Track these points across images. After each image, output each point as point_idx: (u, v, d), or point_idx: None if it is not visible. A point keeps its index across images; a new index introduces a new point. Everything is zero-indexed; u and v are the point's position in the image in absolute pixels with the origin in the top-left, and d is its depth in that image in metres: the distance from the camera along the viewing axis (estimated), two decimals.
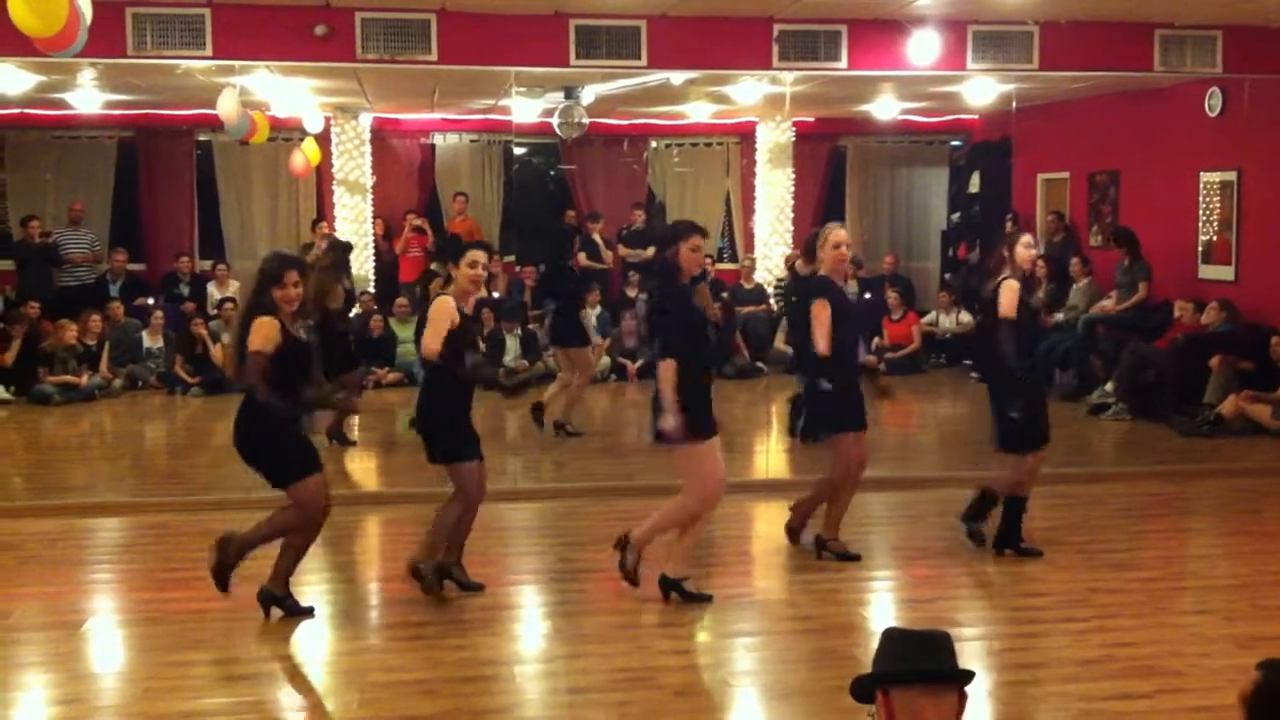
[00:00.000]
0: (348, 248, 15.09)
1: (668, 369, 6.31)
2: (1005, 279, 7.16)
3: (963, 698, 2.79)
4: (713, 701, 5.61)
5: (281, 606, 6.34)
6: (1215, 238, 12.80)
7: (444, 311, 6.40)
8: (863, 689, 2.81)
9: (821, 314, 7.01)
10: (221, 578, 6.35)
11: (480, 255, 6.68)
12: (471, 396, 6.61)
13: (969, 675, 2.81)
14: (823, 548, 7.42)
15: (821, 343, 7.00)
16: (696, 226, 6.61)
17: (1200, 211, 12.95)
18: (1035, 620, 6.33)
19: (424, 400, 6.68)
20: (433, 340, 6.37)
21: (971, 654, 5.86)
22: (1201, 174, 12.89)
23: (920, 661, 2.77)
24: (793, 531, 7.72)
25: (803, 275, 7.79)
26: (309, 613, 6.35)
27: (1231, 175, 12.54)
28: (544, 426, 11.13)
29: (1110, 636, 6.04)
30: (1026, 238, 7.33)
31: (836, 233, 7.29)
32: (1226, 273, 12.62)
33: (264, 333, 5.94)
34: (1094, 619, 6.34)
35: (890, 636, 2.87)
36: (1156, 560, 7.58)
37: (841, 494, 7.38)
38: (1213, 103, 12.64)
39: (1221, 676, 5.44)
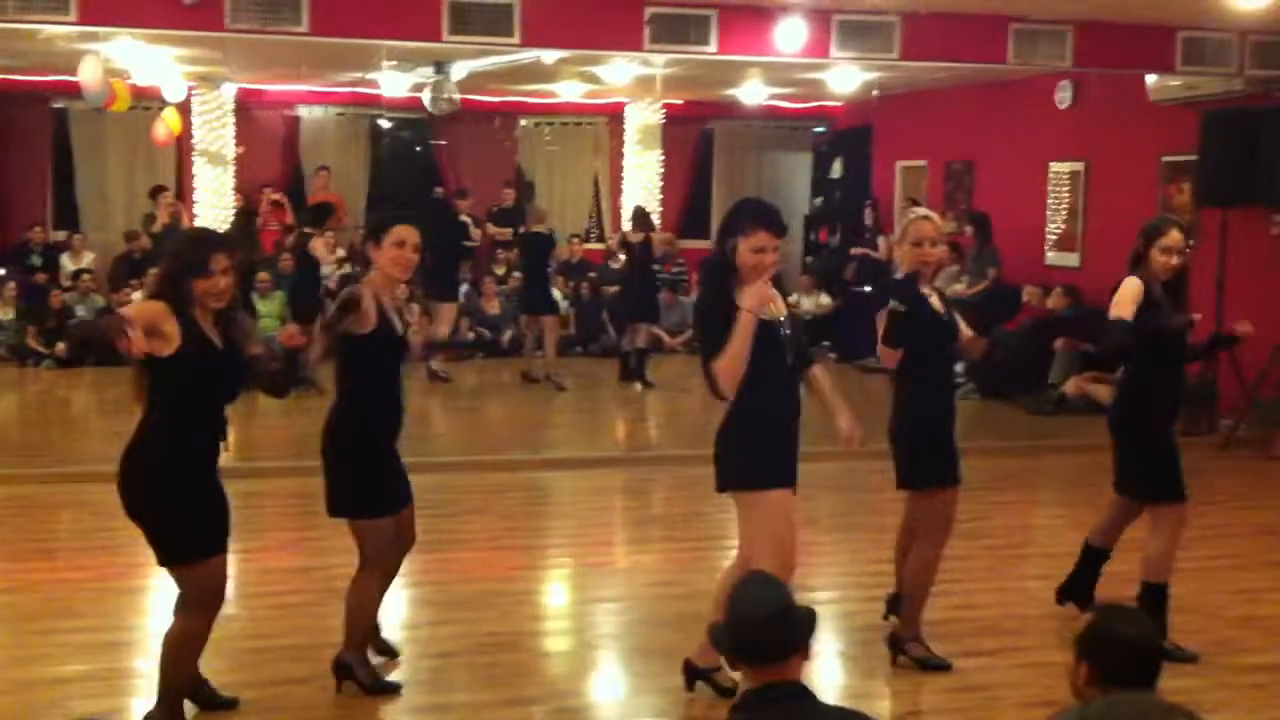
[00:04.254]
0: (254, 215, 14.87)
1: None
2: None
3: (805, 653, 3.00)
4: (576, 662, 5.78)
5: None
6: (1063, 226, 13.35)
7: (367, 313, 4.94)
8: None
9: (883, 321, 5.45)
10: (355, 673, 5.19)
11: (410, 234, 5.07)
12: (400, 423, 5.17)
13: (809, 635, 3.01)
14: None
15: (884, 358, 5.59)
16: (771, 217, 4.88)
17: (1049, 200, 13.49)
18: (886, 585, 6.57)
19: (336, 425, 5.09)
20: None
21: (825, 616, 6.11)
22: (1051, 164, 13.42)
23: (762, 642, 2.96)
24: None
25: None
26: None
27: (1080, 166, 13.09)
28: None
29: (957, 600, 6.35)
30: (1174, 234, 5.71)
31: (920, 226, 5.54)
32: (1072, 259, 13.18)
33: (149, 311, 4.42)
34: (942, 584, 6.58)
35: (733, 613, 3.03)
36: (1003, 529, 7.96)
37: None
38: (1063, 95, 13.16)
39: (1057, 635, 5.77)
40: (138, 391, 4.53)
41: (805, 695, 2.97)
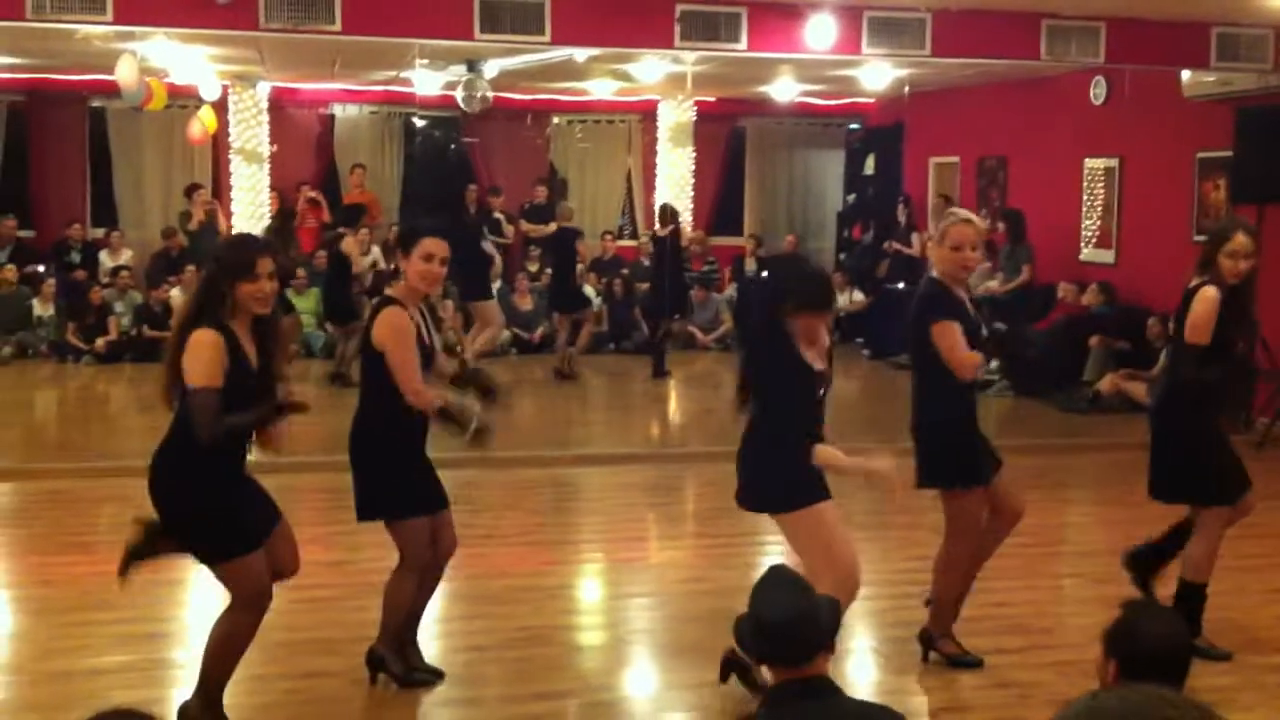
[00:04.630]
0: (292, 215, 15.03)
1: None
2: (1203, 283, 5.57)
3: (830, 649, 3.02)
4: (608, 657, 5.81)
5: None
6: (1098, 223, 13.28)
7: (403, 327, 4.95)
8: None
9: (950, 335, 5.29)
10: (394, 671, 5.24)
11: (439, 247, 5.04)
12: (425, 427, 5.17)
13: (833, 634, 3.03)
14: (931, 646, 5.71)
15: (965, 370, 5.33)
16: (827, 296, 4.99)
17: (1084, 197, 13.42)
18: (916, 582, 6.58)
19: (365, 428, 5.13)
20: (410, 376, 4.92)
21: (857, 613, 6.12)
22: (1085, 160, 13.35)
23: (787, 648, 2.97)
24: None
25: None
26: None
27: (1114, 162, 13.01)
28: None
29: (987, 597, 6.33)
30: (1241, 238, 5.56)
31: (961, 230, 5.39)
32: (1107, 256, 13.10)
33: (207, 358, 4.36)
34: (974, 581, 6.63)
35: (756, 622, 3.03)
36: (1034, 528, 7.89)
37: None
38: (1097, 92, 13.09)
39: (1087, 633, 5.71)
40: (166, 397, 4.55)
41: (832, 691, 2.99)
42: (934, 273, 5.53)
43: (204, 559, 4.61)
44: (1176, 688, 2.89)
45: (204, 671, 4.71)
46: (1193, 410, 5.64)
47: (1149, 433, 5.82)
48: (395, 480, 5.06)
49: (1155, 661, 2.86)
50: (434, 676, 5.32)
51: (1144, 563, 6.06)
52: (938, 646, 5.57)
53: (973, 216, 5.59)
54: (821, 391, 4.92)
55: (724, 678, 5.16)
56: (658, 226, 13.61)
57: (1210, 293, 5.49)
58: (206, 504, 4.50)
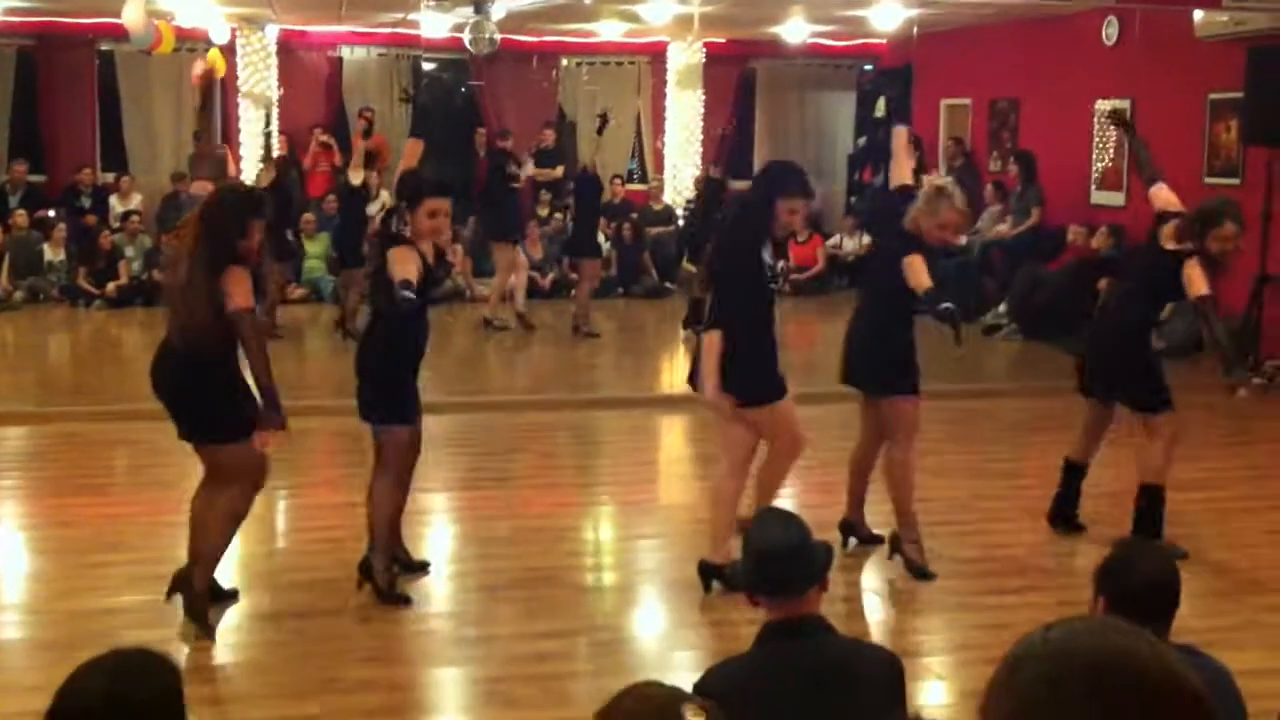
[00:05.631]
0: (286, 163, 15.03)
1: (714, 341, 5.51)
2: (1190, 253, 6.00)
3: (824, 582, 3.09)
4: (616, 597, 5.90)
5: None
6: (1108, 164, 13.23)
7: (409, 256, 5.40)
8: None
9: (916, 264, 5.72)
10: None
11: (441, 205, 5.50)
12: (420, 351, 5.65)
13: (826, 568, 3.10)
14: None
15: (924, 278, 5.70)
16: (805, 186, 5.68)
17: (1094, 139, 13.35)
18: (920, 524, 6.66)
19: (368, 347, 5.70)
20: (403, 270, 5.32)
21: (858, 552, 6.21)
22: (1097, 101, 13.27)
23: (780, 577, 3.03)
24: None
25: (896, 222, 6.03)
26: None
27: (1125, 103, 12.92)
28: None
29: (988, 539, 6.42)
30: (1230, 227, 5.99)
31: (952, 214, 5.91)
32: (1118, 199, 13.05)
33: (244, 283, 5.00)
34: (975, 523, 6.72)
35: (750, 549, 3.12)
36: (1038, 470, 7.96)
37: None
38: (1109, 31, 12.99)
39: (1085, 575, 5.77)
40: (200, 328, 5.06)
41: (825, 629, 3.05)
42: (911, 227, 5.88)
43: (205, 439, 5.20)
44: (1164, 622, 2.95)
45: (210, 549, 5.24)
46: (1146, 338, 6.41)
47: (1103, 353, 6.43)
48: (388, 394, 5.57)
49: (1144, 597, 2.92)
50: (420, 570, 5.88)
51: (1063, 513, 6.59)
52: (903, 550, 5.98)
53: (959, 197, 6.00)
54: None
55: (706, 586, 5.59)
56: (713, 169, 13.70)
57: (1198, 269, 5.96)
58: (210, 393, 5.15)
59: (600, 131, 12.62)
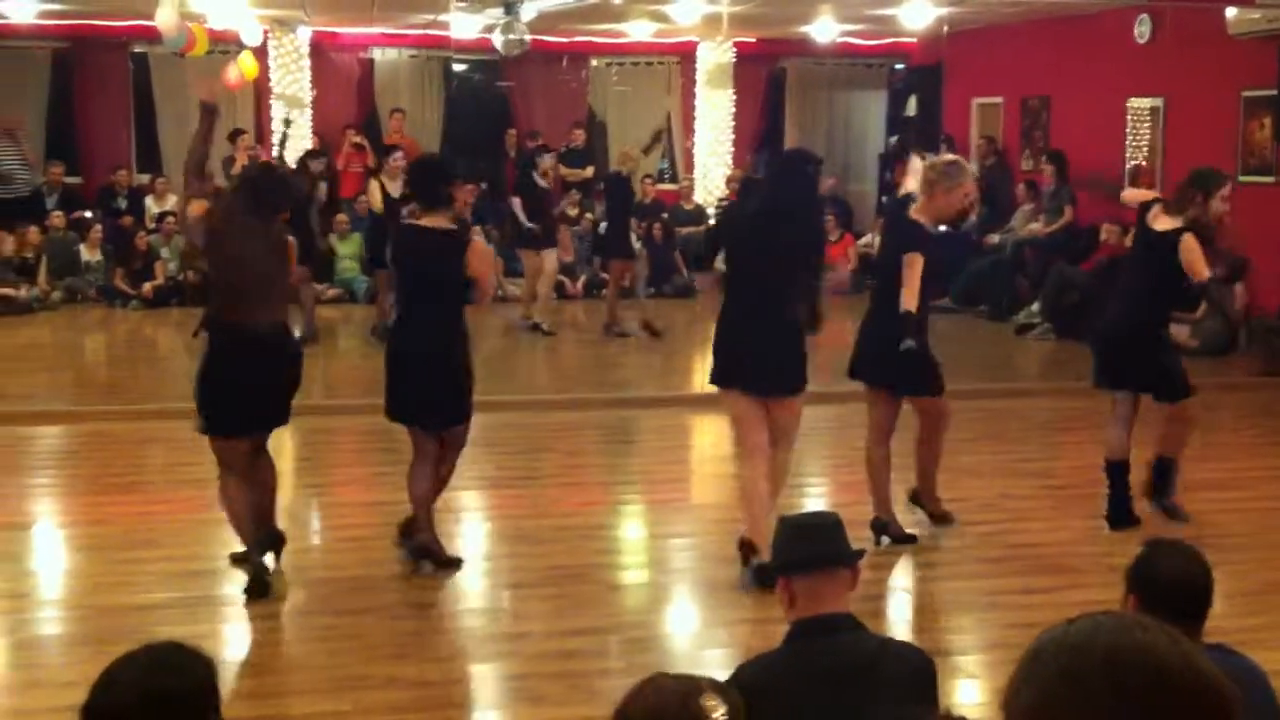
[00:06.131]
0: (306, 170, 15.11)
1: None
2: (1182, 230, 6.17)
3: (855, 573, 3.09)
4: (647, 595, 5.91)
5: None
6: (1141, 163, 13.13)
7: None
8: (768, 576, 3.13)
9: (915, 266, 5.87)
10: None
11: (464, 193, 6.37)
12: (422, 352, 5.88)
13: (859, 554, 3.11)
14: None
15: (910, 299, 5.84)
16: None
17: (1127, 137, 13.26)
18: (953, 519, 6.64)
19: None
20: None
21: (889, 551, 6.20)
22: (1129, 100, 13.19)
23: (814, 546, 3.05)
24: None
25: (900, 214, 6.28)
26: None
27: (1158, 101, 12.85)
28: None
29: (1018, 537, 6.39)
30: (1228, 185, 6.40)
31: (970, 183, 6.16)
32: (1150, 197, 12.94)
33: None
34: (1004, 521, 6.70)
35: (785, 524, 3.16)
36: (1068, 469, 7.95)
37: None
38: (1141, 30, 12.91)
39: (1117, 573, 5.74)
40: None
41: (854, 626, 3.05)
42: (917, 216, 6.00)
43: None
44: (1196, 621, 2.94)
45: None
46: (1163, 329, 6.56)
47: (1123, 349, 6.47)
48: (391, 387, 5.93)
49: (1171, 595, 2.91)
50: (453, 566, 5.94)
51: (1119, 514, 6.57)
52: (925, 507, 6.41)
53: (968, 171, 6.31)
54: None
55: (746, 561, 5.67)
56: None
57: (1194, 241, 6.09)
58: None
59: (647, 151, 12.62)
